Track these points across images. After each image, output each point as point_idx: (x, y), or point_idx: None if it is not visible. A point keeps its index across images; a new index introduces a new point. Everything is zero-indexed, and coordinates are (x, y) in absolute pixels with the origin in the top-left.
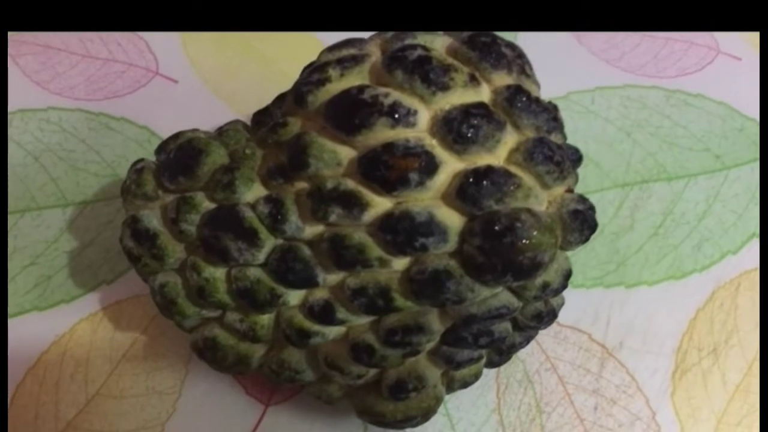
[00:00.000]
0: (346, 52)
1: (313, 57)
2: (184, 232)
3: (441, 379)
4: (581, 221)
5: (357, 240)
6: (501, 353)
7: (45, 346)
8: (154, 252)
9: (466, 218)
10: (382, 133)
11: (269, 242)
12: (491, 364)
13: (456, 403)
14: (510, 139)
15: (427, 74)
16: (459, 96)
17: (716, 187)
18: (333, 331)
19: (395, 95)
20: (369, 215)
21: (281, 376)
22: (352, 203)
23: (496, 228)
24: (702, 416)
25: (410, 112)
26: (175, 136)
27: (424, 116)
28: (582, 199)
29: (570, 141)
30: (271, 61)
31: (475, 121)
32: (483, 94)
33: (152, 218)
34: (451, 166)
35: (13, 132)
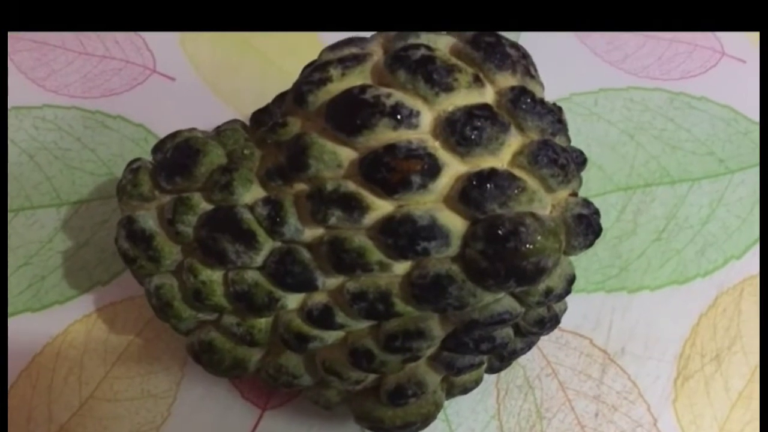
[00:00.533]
0: (347, 51)
1: (313, 56)
2: (181, 233)
3: (441, 385)
4: (586, 226)
5: (357, 243)
6: (502, 359)
7: (38, 347)
8: (150, 253)
9: (469, 222)
10: (383, 135)
11: (267, 245)
12: (491, 370)
13: (455, 408)
14: (514, 141)
15: (431, 74)
16: (463, 97)
17: (720, 191)
18: (332, 336)
19: (398, 96)
20: (370, 218)
21: (278, 380)
22: (353, 206)
23: (500, 232)
24: (704, 423)
25: (413, 113)
26: (173, 136)
27: (427, 117)
28: (586, 203)
29: (572, 143)
30: (270, 59)
31: (479, 123)
32: (487, 95)
33: (148, 219)
34: (454, 168)
35: (7, 129)
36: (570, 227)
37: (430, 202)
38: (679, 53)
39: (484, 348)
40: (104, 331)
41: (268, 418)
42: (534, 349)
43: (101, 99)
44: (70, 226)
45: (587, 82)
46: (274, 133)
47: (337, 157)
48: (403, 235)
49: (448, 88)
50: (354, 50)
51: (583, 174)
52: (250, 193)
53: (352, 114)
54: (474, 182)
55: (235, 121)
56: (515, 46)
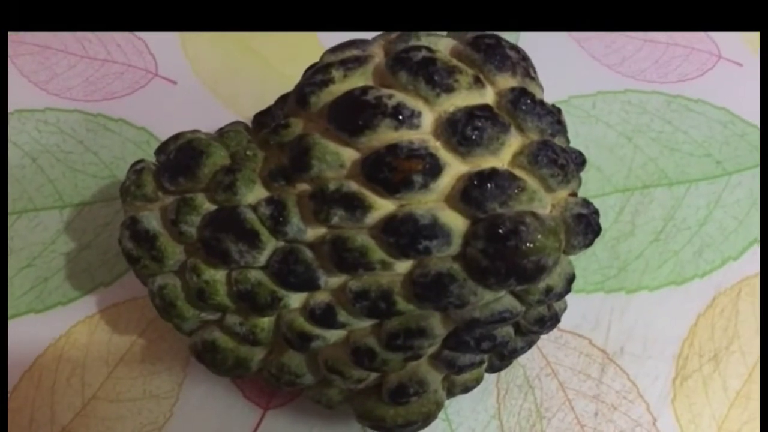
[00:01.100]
0: (349, 53)
1: (314, 58)
2: (184, 233)
3: (442, 384)
4: (585, 225)
5: (359, 242)
6: (502, 358)
7: (41, 348)
8: (154, 253)
9: (470, 221)
10: (385, 135)
11: (270, 244)
12: (492, 369)
13: (456, 408)
14: (514, 141)
15: (432, 76)
16: (463, 98)
17: (717, 193)
18: (334, 335)
19: (399, 97)
20: (372, 217)
21: (281, 379)
22: (355, 205)
23: (500, 231)
24: (703, 422)
25: (414, 114)
26: (176, 137)
27: (428, 118)
28: (586, 203)
29: (571, 145)
30: (270, 63)
31: (480, 124)
32: (487, 96)
33: (152, 219)
34: (455, 168)
35: (10, 133)
36: (570, 226)
37: (432, 202)
38: (676, 56)
39: (484, 347)
40: (107, 332)
41: (270, 417)
42: (534, 349)
43: (103, 102)
44: (73, 228)
45: (585, 85)
46: (276, 134)
47: (339, 158)
48: (405, 234)
49: (449, 89)
50: (355, 52)
51: (582, 175)
52: (253, 194)
53: (354, 115)
54: (475, 182)
55: (237, 122)
56: (515, 48)
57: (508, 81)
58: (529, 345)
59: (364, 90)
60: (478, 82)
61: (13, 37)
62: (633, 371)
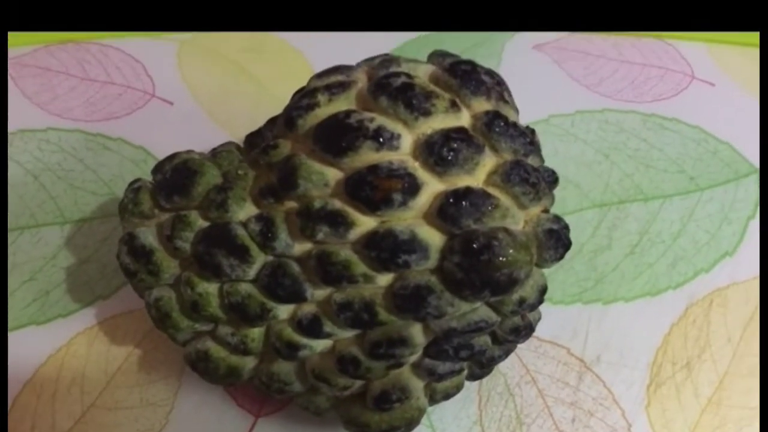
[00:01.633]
0: (334, 78)
1: (303, 82)
2: (179, 248)
3: (424, 391)
4: (556, 239)
5: (343, 257)
6: (482, 366)
7: (42, 359)
8: (150, 268)
9: (447, 236)
10: (367, 156)
11: (260, 259)
12: (473, 377)
13: (439, 414)
14: (488, 161)
15: (410, 100)
16: (440, 121)
17: (690, 208)
18: (320, 344)
19: (380, 120)
20: (355, 233)
21: (271, 387)
22: (339, 222)
23: (474, 246)
24: (676, 428)
25: (394, 136)
26: (171, 157)
27: (407, 140)
28: (557, 218)
29: (550, 163)
30: (263, 85)
31: (455, 145)
32: (463, 119)
33: (148, 235)
34: (432, 187)
35: (13, 152)
36: (541, 241)
37: (411, 218)
38: (651, 77)
39: (463, 355)
40: (105, 343)
41: (262, 424)
42: (514, 358)
43: (103, 122)
44: (74, 243)
45: (565, 105)
46: (266, 154)
47: (324, 177)
48: (386, 249)
49: (427, 113)
50: (340, 78)
51: (561, 191)
52: (244, 211)
53: (338, 137)
54: (451, 200)
55: (230, 143)
56: (490, 73)
57: (483, 105)
58: (506, 353)
59: (348, 114)
60: (454, 106)
61: (15, 59)
62: (609, 379)
